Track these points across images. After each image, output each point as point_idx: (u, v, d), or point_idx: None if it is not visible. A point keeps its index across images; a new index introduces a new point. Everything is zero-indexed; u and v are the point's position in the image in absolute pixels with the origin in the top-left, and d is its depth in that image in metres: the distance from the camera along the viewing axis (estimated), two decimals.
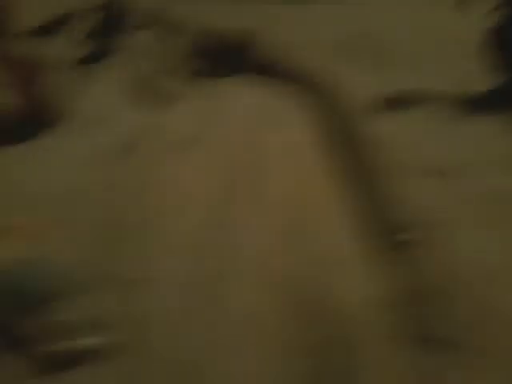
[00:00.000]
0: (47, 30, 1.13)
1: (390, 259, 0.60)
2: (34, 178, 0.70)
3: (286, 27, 0.99)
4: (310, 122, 0.77)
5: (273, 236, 0.61)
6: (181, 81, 0.96)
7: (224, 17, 1.08)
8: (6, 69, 0.84)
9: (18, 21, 1.03)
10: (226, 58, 0.99)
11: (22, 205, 0.53)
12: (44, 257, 0.39)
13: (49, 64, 1.00)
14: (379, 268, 0.59)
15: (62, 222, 0.59)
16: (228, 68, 0.96)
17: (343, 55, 0.84)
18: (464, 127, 0.83)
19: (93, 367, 0.49)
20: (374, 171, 0.67)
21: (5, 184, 0.68)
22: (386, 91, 0.78)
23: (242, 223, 0.63)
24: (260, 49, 0.94)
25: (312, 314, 0.55)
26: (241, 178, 0.68)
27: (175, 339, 0.52)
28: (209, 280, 0.58)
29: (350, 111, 0.72)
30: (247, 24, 0.99)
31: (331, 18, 1.03)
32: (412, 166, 0.72)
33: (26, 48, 1.01)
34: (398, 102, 0.82)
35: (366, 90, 0.77)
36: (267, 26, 0.98)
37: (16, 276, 0.40)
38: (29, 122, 0.78)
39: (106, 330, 0.50)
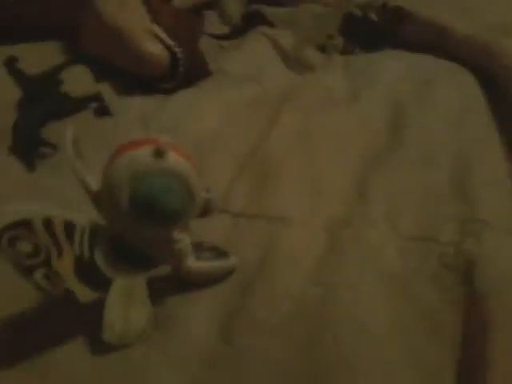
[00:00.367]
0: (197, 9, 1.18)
1: None
2: (184, 119, 0.73)
3: (440, 8, 0.94)
4: (475, 86, 0.73)
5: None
6: (328, 53, 0.96)
7: None
8: (173, 19, 0.88)
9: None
10: (374, 34, 0.98)
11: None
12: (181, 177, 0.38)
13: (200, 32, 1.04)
14: None
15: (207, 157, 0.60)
16: (376, 44, 0.94)
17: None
18: None
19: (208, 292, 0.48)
20: None
21: (158, 123, 0.72)
22: None
23: (395, 166, 0.61)
24: (414, 25, 0.91)
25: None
26: (399, 131, 0.67)
27: (304, 278, 0.50)
28: (353, 220, 0.57)
29: None
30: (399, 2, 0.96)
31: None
32: None
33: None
34: None
35: None
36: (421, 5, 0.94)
37: (153, 190, 0.38)
38: (176, 74, 0.82)
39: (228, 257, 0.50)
